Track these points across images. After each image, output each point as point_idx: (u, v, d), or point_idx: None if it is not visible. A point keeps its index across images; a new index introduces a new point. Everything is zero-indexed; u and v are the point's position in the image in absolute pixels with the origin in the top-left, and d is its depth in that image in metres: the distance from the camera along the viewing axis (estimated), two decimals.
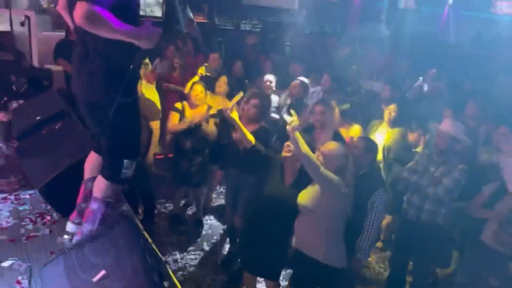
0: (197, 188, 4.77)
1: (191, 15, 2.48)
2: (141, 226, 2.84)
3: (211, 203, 5.37)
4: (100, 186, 2.48)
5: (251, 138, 3.47)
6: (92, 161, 2.67)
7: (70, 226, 2.66)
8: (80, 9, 1.99)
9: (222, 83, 4.90)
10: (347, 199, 2.97)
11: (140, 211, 4.54)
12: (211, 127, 4.40)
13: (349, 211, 3.00)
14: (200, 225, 4.92)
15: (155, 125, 4.65)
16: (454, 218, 3.66)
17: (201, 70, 5.68)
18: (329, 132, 3.95)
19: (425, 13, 12.16)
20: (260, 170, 3.46)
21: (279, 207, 3.18)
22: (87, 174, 2.68)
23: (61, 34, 5.97)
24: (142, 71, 5.04)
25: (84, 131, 3.31)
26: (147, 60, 5.29)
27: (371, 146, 3.44)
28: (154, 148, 4.65)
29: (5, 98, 4.68)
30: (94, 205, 2.49)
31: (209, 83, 4.92)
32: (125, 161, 2.43)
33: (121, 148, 2.42)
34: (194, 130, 4.39)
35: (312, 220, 3.04)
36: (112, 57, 2.22)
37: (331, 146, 3.12)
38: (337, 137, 3.90)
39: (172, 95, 5.75)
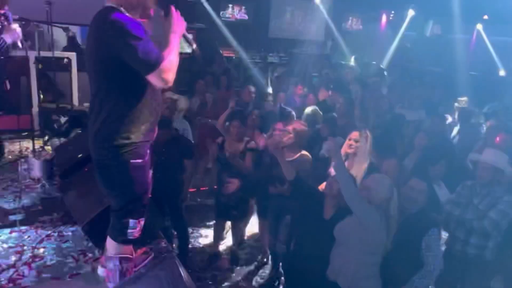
0: (236, 222, 4.76)
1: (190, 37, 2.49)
2: (181, 264, 2.83)
3: (244, 236, 5.32)
4: (111, 244, 2.47)
5: (292, 171, 3.47)
6: None
7: (100, 270, 2.66)
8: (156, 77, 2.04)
9: (255, 117, 4.95)
10: (387, 233, 2.89)
11: (174, 245, 4.55)
12: (248, 160, 4.43)
13: (389, 245, 2.91)
14: (236, 259, 4.87)
15: (188, 163, 4.68)
16: (503, 252, 3.48)
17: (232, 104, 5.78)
18: (364, 161, 3.89)
19: (452, 40, 12.06)
20: (301, 202, 3.44)
21: (317, 240, 3.13)
22: None
23: None
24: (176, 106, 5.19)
25: None
26: (176, 96, 5.42)
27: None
28: (188, 184, 4.68)
29: (47, 137, 4.86)
30: (109, 264, 2.49)
31: (241, 117, 4.98)
32: (131, 220, 2.39)
33: (128, 207, 2.37)
34: (232, 164, 4.42)
35: (347, 252, 2.97)
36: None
37: (377, 177, 3.06)
38: (372, 167, 3.83)
39: (205, 129, 5.83)
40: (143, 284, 2.29)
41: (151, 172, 2.50)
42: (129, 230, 2.40)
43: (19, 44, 3.31)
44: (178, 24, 2.20)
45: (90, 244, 3.06)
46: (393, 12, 13.12)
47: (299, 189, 3.44)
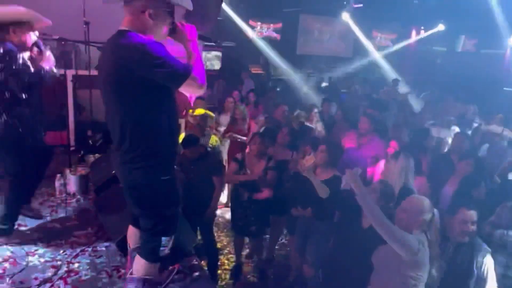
0: (254, 238, 4.71)
1: None
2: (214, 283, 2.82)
3: (274, 255, 5.26)
4: (138, 265, 2.45)
5: (326, 189, 3.43)
6: (134, 231, 2.65)
7: None
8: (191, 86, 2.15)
9: (285, 135, 4.93)
10: (430, 259, 2.77)
11: (203, 262, 4.54)
12: (270, 180, 4.40)
13: (435, 273, 2.79)
14: (263, 276, 4.81)
15: (217, 180, 4.68)
16: None
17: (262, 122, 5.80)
18: (397, 184, 3.80)
19: (485, 56, 11.81)
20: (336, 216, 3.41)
21: (356, 253, 3.06)
22: (131, 244, 2.68)
23: None
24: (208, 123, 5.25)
25: None
26: (212, 113, 5.49)
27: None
28: (217, 201, 4.68)
29: (82, 152, 4.98)
30: (130, 285, 2.47)
31: (271, 135, 4.99)
32: (163, 238, 2.39)
33: (160, 226, 2.37)
34: (251, 182, 4.42)
35: (387, 280, 2.85)
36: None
37: (415, 199, 2.95)
38: (406, 190, 3.73)
39: (235, 146, 5.85)
40: None
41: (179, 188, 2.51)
42: (161, 248, 2.40)
43: (54, 70, 3.41)
44: (190, 31, 2.27)
45: (124, 260, 3.09)
46: (422, 27, 12.97)
47: (333, 206, 3.40)
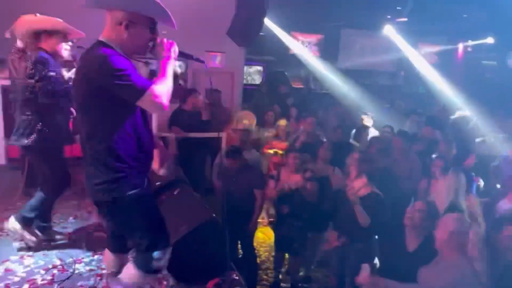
0: (294, 255, 4.64)
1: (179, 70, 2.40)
2: None
3: (312, 273, 5.17)
4: (130, 272, 2.36)
5: (366, 217, 3.36)
6: (109, 256, 2.60)
7: None
8: (147, 102, 2.01)
9: (326, 150, 4.87)
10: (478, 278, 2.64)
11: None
12: (310, 192, 4.34)
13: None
14: None
15: (259, 193, 4.67)
16: None
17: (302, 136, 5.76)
18: (445, 201, 3.66)
19: None
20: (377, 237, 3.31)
21: (402, 276, 2.94)
22: (107, 269, 2.65)
23: (175, 105, 6.55)
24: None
25: (198, 199, 3.47)
26: (248, 127, 5.52)
27: None
28: (258, 215, 4.67)
29: None
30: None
31: (311, 149, 4.95)
32: (155, 253, 2.28)
33: (144, 243, 2.27)
34: (291, 195, 4.37)
35: None
36: None
37: (452, 219, 2.83)
38: (453, 208, 3.58)
39: (274, 160, 5.84)
40: None
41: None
42: (154, 262, 2.29)
43: None
44: (168, 49, 2.18)
45: (165, 272, 3.12)
46: (470, 41, 12.54)
47: (374, 231, 3.30)
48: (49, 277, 3.01)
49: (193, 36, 7.96)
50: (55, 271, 3.11)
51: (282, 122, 6.11)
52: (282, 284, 4.87)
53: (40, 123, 3.24)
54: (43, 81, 3.13)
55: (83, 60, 2.11)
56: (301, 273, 4.91)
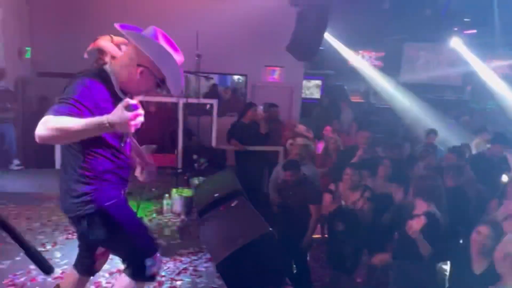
0: (350, 276, 4.51)
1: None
2: None
3: None
4: (124, 283, 2.27)
5: (428, 247, 3.24)
6: (73, 279, 2.45)
7: None
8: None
9: (388, 167, 4.73)
10: None
11: None
12: (366, 210, 4.23)
13: None
14: None
15: (314, 208, 4.62)
16: None
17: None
18: None
19: None
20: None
21: None
22: None
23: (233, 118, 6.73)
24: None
25: (255, 212, 3.52)
26: (307, 142, 5.49)
27: None
28: (313, 230, 4.62)
29: (188, 175, 5.32)
30: None
31: (370, 165, 4.84)
32: (146, 260, 2.21)
33: (135, 251, 2.22)
34: (346, 212, 4.28)
35: None
36: None
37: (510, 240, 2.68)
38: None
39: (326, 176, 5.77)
40: None
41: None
42: (147, 270, 2.22)
43: None
44: (121, 124, 1.71)
45: (221, 282, 3.19)
46: None
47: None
48: (112, 280, 3.18)
49: (252, 51, 8.18)
50: (117, 274, 3.27)
51: (333, 139, 5.97)
52: None
53: None
54: None
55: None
56: None
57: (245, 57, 8.21)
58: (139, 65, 2.05)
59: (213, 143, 6.25)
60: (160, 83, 2.10)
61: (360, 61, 11.64)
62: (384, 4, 8.52)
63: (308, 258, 4.76)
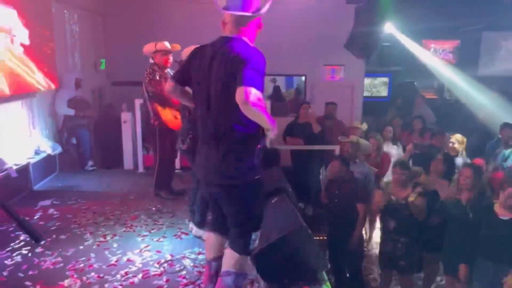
0: (404, 274, 4.33)
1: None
2: None
3: None
4: (232, 260, 2.51)
5: None
6: (214, 241, 2.75)
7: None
8: (248, 93, 2.11)
9: (439, 162, 4.49)
10: None
11: None
12: (419, 206, 4.04)
13: None
14: None
15: (361, 207, 4.51)
16: None
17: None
18: None
19: None
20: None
21: None
22: (209, 255, 2.77)
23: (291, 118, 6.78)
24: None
25: (292, 208, 3.56)
26: (365, 141, 5.36)
27: None
28: (360, 230, 4.53)
29: None
30: (227, 280, 2.51)
31: (423, 161, 4.63)
32: (253, 233, 2.50)
33: (252, 222, 2.50)
34: (398, 209, 4.13)
35: None
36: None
37: None
38: None
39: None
40: None
41: None
42: (251, 243, 2.51)
43: None
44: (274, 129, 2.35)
45: (255, 272, 3.26)
46: None
47: None
48: (160, 270, 3.42)
49: (312, 50, 8.16)
50: (165, 265, 3.51)
51: (375, 137, 5.71)
52: None
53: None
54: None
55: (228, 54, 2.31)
56: None
57: (305, 57, 8.23)
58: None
59: (267, 143, 6.33)
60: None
61: (430, 56, 10.99)
62: None
63: (362, 262, 4.67)
